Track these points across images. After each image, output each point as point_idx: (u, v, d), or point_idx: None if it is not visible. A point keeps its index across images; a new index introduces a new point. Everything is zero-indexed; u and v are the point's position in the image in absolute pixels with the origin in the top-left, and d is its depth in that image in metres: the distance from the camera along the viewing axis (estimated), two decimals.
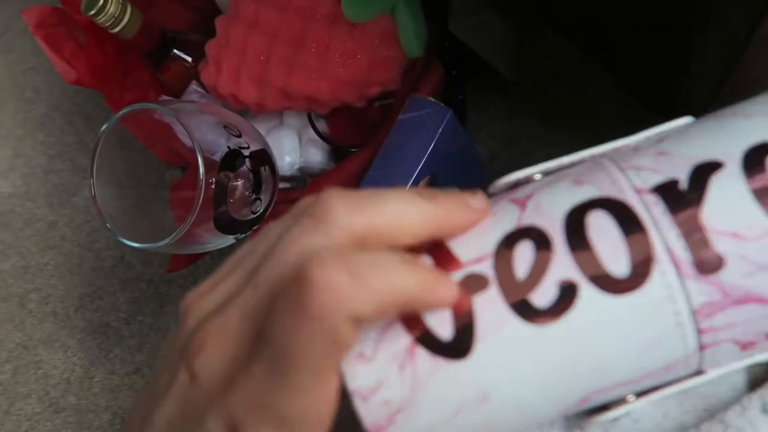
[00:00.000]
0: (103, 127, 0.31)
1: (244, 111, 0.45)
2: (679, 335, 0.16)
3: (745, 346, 0.16)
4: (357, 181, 0.39)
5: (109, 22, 0.39)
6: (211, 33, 0.42)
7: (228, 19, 0.41)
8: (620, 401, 0.18)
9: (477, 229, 0.17)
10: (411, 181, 0.35)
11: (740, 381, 0.19)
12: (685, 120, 0.19)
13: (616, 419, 0.19)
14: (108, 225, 0.32)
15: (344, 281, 0.14)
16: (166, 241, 0.30)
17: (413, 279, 0.15)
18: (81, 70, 0.41)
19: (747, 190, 0.15)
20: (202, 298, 0.17)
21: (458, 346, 0.16)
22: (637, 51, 0.41)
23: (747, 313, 0.15)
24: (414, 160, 0.34)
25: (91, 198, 0.33)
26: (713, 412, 0.19)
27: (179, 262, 0.41)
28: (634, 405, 0.17)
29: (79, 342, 0.55)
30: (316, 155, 0.44)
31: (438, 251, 0.17)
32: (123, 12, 0.40)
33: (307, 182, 0.43)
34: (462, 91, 0.48)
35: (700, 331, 0.16)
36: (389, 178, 0.35)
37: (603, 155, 0.19)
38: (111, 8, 0.39)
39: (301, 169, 0.46)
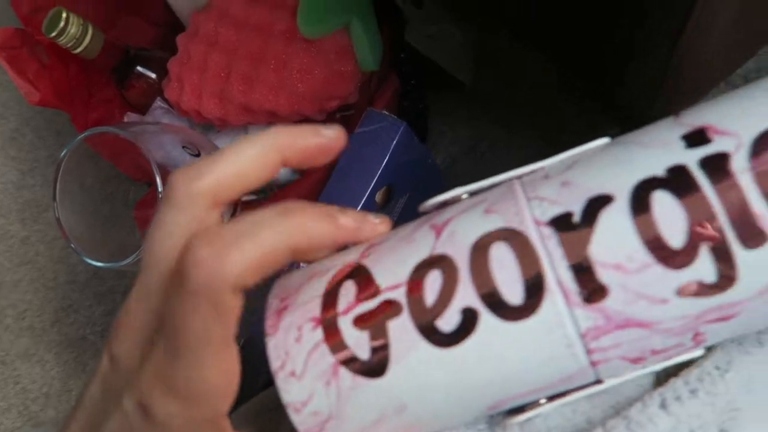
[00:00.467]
0: (64, 152, 0.32)
1: (209, 126, 0.46)
2: (570, 354, 0.17)
3: (635, 361, 0.18)
4: (319, 190, 0.40)
5: (71, 43, 0.40)
6: (174, 48, 0.43)
7: (188, 36, 0.42)
8: (534, 404, 0.19)
9: (397, 256, 0.19)
10: (368, 192, 0.36)
11: (647, 379, 0.21)
12: (601, 141, 0.20)
13: (529, 419, 0.20)
14: (72, 245, 0.32)
15: (208, 255, 0.16)
16: (130, 259, 0.31)
17: (280, 232, 0.17)
18: (45, 91, 0.41)
19: (631, 224, 0.16)
20: None
21: (375, 367, 0.17)
22: (585, 52, 0.42)
23: (629, 335, 0.17)
24: (370, 173, 0.35)
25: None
26: (619, 409, 0.20)
27: None
28: (546, 408, 0.19)
29: (56, 356, 0.56)
30: None
31: (361, 277, 0.18)
32: (84, 33, 0.40)
33: (273, 193, 0.44)
34: (422, 99, 0.49)
35: (589, 351, 0.17)
36: (347, 190, 0.36)
37: (520, 177, 0.20)
38: (72, 29, 0.40)
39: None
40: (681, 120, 0.18)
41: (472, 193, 0.21)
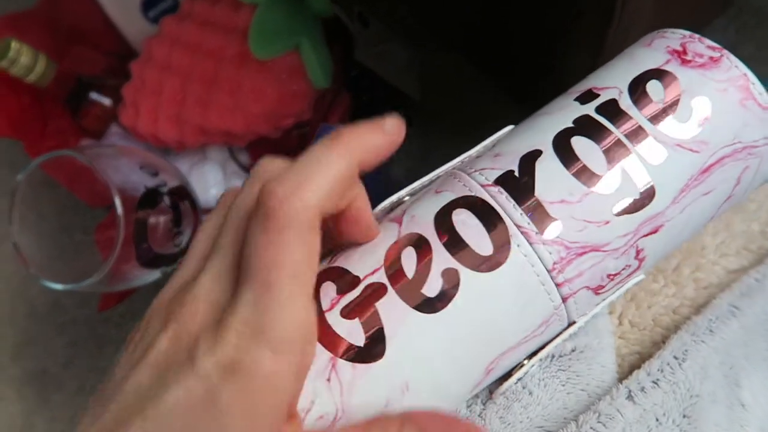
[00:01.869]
0: (19, 176, 0.32)
1: (167, 149, 0.47)
2: (544, 291, 0.19)
3: (597, 290, 0.20)
4: None
5: (22, 72, 0.40)
6: (125, 75, 0.44)
7: (142, 62, 0.43)
8: (518, 366, 0.21)
9: (366, 249, 0.20)
10: None
11: (609, 361, 0.22)
12: (509, 128, 0.23)
13: (509, 408, 0.21)
14: (32, 270, 0.33)
15: (287, 192, 0.16)
16: (90, 280, 0.32)
17: (345, 157, 0.17)
18: None
19: (561, 166, 0.19)
20: (171, 285, 0.18)
21: (373, 350, 0.18)
22: (517, 66, 0.45)
23: (588, 261, 0.19)
24: None
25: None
26: (590, 392, 0.22)
27: (110, 300, 0.42)
28: (530, 365, 0.21)
29: (17, 392, 0.55)
30: None
31: (337, 276, 0.19)
32: (35, 62, 0.41)
33: None
34: (376, 114, 0.51)
35: (558, 285, 0.19)
36: None
37: (453, 167, 0.22)
38: (23, 59, 0.40)
39: None
40: (570, 91, 0.22)
41: (412, 194, 0.22)
